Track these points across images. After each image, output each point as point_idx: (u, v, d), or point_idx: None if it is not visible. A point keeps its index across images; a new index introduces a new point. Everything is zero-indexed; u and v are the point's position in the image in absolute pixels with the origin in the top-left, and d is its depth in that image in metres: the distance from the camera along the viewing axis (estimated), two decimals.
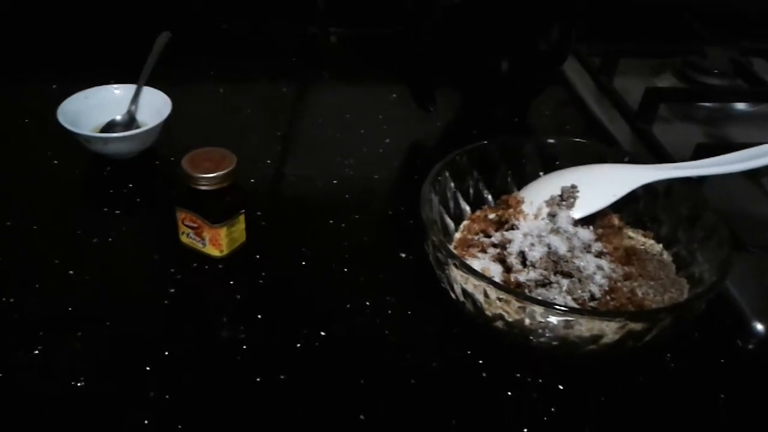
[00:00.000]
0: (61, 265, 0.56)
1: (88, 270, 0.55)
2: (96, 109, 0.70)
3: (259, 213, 0.63)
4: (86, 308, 0.52)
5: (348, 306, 0.54)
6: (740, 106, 0.83)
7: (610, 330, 0.43)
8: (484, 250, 0.53)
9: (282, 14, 0.97)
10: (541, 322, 0.44)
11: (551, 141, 0.60)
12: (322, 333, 0.51)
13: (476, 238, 0.54)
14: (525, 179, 0.59)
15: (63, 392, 0.46)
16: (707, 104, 0.83)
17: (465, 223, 0.57)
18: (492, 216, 0.56)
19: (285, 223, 0.62)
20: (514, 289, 0.47)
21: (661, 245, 0.55)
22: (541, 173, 0.59)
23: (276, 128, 0.76)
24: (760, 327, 0.52)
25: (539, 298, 0.46)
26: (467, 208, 0.58)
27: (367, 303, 0.54)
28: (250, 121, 0.77)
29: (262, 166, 0.69)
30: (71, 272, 0.55)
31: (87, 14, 0.93)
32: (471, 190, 0.58)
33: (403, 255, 0.58)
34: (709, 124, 0.81)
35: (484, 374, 0.49)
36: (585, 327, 0.43)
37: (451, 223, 0.57)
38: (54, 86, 0.78)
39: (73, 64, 0.86)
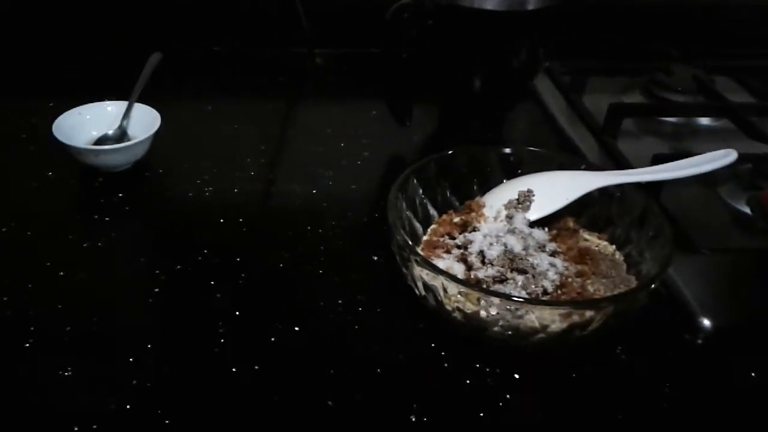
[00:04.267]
0: (53, 267, 0.59)
1: (78, 272, 0.59)
2: (89, 124, 0.74)
3: (241, 220, 0.66)
4: (75, 306, 0.56)
5: (321, 304, 0.57)
6: (704, 121, 0.87)
7: (557, 319, 0.47)
8: (448, 251, 0.57)
9: (270, 36, 1.02)
10: (495, 313, 0.47)
11: (515, 150, 0.64)
12: (296, 328, 0.55)
13: (441, 240, 0.58)
14: (490, 186, 0.63)
15: (51, 380, 0.49)
16: (672, 120, 0.87)
17: (432, 227, 0.61)
18: (457, 220, 0.59)
19: (266, 229, 0.66)
20: (464, 281, 0.51)
21: (614, 246, 0.59)
22: (504, 180, 0.63)
23: (261, 142, 0.80)
24: (706, 323, 0.56)
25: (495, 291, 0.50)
26: (435, 214, 0.62)
27: (340, 301, 0.57)
28: (237, 136, 0.81)
29: (246, 177, 0.73)
30: (62, 273, 0.59)
31: (83, 36, 0.98)
32: (438, 197, 0.62)
33: (375, 258, 0.62)
34: (674, 138, 0.85)
35: (445, 364, 0.52)
36: (534, 317, 0.47)
37: (419, 227, 0.60)
38: (51, 103, 0.82)
39: (70, 82, 0.91)
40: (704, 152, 0.61)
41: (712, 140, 0.84)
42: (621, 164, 0.74)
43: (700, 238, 0.63)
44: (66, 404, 0.48)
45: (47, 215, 0.66)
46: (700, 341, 0.55)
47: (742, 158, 0.61)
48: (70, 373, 0.50)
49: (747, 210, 0.68)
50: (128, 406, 0.48)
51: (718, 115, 0.86)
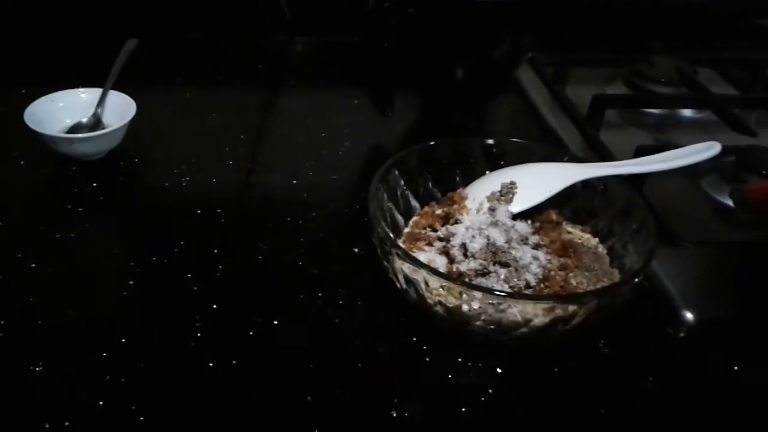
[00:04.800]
0: (24, 258, 0.58)
1: (50, 263, 0.57)
2: (63, 111, 0.72)
3: (219, 211, 0.65)
4: (47, 299, 0.54)
5: (301, 297, 0.56)
6: (686, 112, 0.87)
7: (540, 313, 0.46)
8: (430, 244, 0.56)
9: (250, 23, 1.00)
10: (477, 307, 0.47)
11: (498, 142, 0.63)
12: (275, 322, 0.54)
13: (423, 232, 0.57)
14: (473, 178, 0.62)
15: (21, 375, 0.48)
16: (655, 111, 0.87)
17: (414, 218, 0.60)
18: (439, 212, 0.59)
19: (244, 220, 0.65)
20: (446, 274, 0.50)
21: (597, 239, 0.58)
22: (487, 172, 0.62)
23: (240, 131, 0.78)
24: (689, 316, 0.55)
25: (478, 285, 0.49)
26: (417, 205, 0.61)
27: (320, 294, 0.56)
28: (215, 125, 0.80)
29: (225, 167, 0.72)
30: (33, 265, 0.57)
31: (58, 21, 0.95)
32: (421, 189, 0.61)
33: (356, 250, 0.61)
34: (657, 129, 0.85)
35: (427, 358, 0.51)
36: (517, 311, 0.46)
37: (401, 219, 0.60)
38: (23, 90, 0.80)
39: (43, 69, 0.89)
40: (687, 144, 0.60)
41: (695, 132, 0.84)
42: (604, 156, 0.73)
43: (683, 230, 0.63)
44: (37, 400, 0.46)
45: (18, 205, 0.65)
46: (682, 335, 0.55)
47: (724, 150, 0.60)
48: (41, 368, 0.48)
49: (729, 202, 0.68)
50: (101, 403, 0.46)
51: (702, 107, 0.86)
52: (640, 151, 0.68)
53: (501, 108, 0.87)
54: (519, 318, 0.46)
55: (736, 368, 0.52)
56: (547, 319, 0.46)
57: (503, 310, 0.46)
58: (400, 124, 0.81)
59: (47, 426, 0.45)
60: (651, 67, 0.92)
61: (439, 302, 0.48)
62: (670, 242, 0.61)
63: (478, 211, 0.56)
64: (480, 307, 0.47)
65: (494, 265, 0.52)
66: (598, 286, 0.52)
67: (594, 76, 0.94)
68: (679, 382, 0.51)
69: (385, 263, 0.52)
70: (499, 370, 0.51)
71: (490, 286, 0.50)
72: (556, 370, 0.51)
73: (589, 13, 1.02)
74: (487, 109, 0.86)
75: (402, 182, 0.59)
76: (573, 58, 0.94)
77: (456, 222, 0.56)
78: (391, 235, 0.53)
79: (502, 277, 0.51)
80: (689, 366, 0.53)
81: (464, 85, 0.79)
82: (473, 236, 0.53)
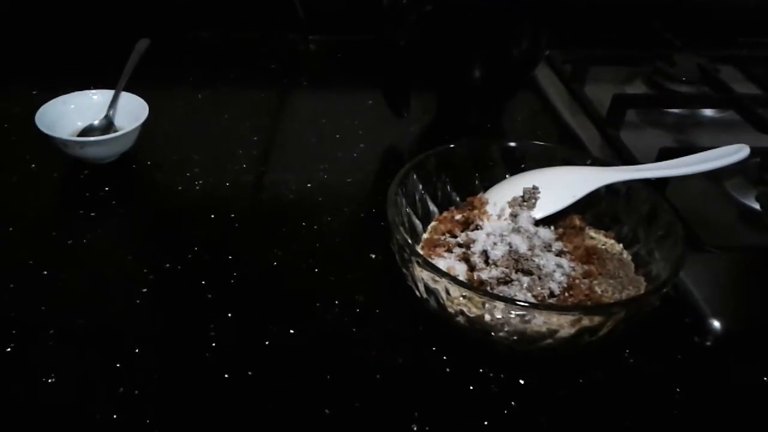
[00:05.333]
0: (36, 265, 0.57)
1: (63, 270, 0.56)
2: (74, 114, 0.71)
3: (232, 215, 0.64)
4: (59, 307, 0.53)
5: (317, 305, 0.55)
6: (708, 112, 0.85)
7: (566, 324, 0.45)
8: (450, 250, 0.55)
9: (262, 22, 0.99)
10: (500, 317, 0.45)
11: (518, 144, 0.61)
12: (291, 331, 0.52)
13: (442, 238, 0.56)
14: (492, 181, 0.60)
15: (34, 388, 0.47)
16: (676, 111, 0.85)
17: (432, 224, 0.59)
18: (458, 217, 0.57)
19: (258, 225, 0.64)
20: (469, 284, 0.49)
21: (621, 245, 0.56)
22: (507, 175, 0.60)
23: (253, 133, 0.77)
24: (716, 324, 0.54)
25: (499, 294, 0.48)
26: (435, 210, 0.60)
27: (336, 302, 0.55)
28: (228, 126, 0.78)
29: (238, 170, 0.71)
30: (45, 272, 0.56)
31: (68, 22, 0.95)
32: (439, 193, 0.60)
33: (373, 256, 0.60)
34: (678, 130, 0.83)
35: (447, 369, 0.50)
36: (542, 321, 0.45)
37: (419, 224, 0.58)
38: (34, 92, 0.79)
39: (54, 70, 0.88)
40: (709, 144, 0.58)
41: (717, 132, 0.82)
42: (625, 156, 0.71)
43: (708, 235, 0.61)
44: (49, 413, 0.45)
45: (29, 210, 0.64)
46: (709, 344, 0.53)
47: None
48: (53, 380, 0.47)
49: (756, 206, 0.66)
50: (115, 416, 0.45)
51: (725, 107, 0.84)
52: (664, 154, 0.66)
53: (518, 107, 0.86)
54: (544, 329, 0.45)
55: (765, 378, 0.51)
56: (573, 330, 0.45)
57: (528, 321, 0.45)
58: (415, 125, 0.80)
59: None
60: (671, 65, 0.90)
61: (461, 312, 0.47)
62: (696, 247, 0.59)
63: (499, 216, 0.55)
64: (503, 317, 0.45)
65: (517, 273, 0.50)
66: (624, 294, 0.51)
67: (613, 75, 0.92)
68: (706, 393, 0.50)
69: (405, 271, 0.50)
70: (522, 382, 0.49)
71: (512, 294, 0.49)
72: (580, 381, 0.50)
73: (607, 9, 1.00)
74: (504, 109, 0.84)
75: (420, 186, 0.58)
76: (591, 56, 0.92)
77: (476, 228, 0.55)
78: (410, 242, 0.51)
79: (525, 285, 0.49)
80: (717, 376, 0.51)
81: (481, 84, 0.77)
82: (495, 243, 0.52)
